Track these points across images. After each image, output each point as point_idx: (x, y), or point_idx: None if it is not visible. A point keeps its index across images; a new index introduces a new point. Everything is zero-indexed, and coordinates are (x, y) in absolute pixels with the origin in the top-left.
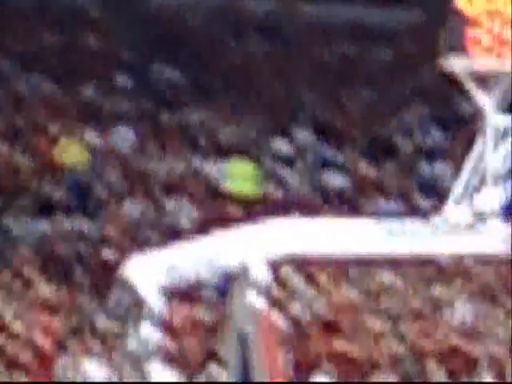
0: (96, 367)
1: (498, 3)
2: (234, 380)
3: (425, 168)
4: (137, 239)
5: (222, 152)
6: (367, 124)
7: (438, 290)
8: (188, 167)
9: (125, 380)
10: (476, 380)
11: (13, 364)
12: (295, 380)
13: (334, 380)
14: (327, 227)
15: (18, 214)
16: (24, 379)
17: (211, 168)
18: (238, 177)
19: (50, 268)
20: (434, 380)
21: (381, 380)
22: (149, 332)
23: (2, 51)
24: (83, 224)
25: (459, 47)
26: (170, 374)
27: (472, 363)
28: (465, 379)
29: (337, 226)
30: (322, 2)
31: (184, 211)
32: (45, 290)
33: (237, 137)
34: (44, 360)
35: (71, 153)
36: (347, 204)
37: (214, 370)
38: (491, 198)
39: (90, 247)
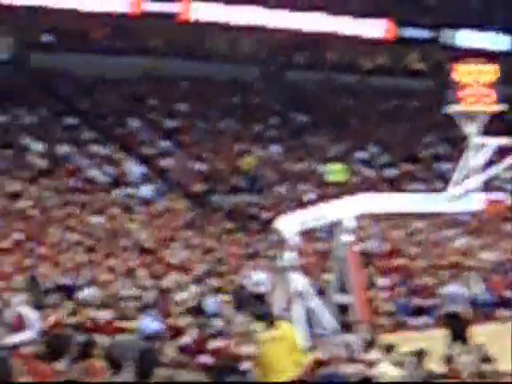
0: (262, 275)
1: (476, 75)
2: (336, 283)
3: (441, 166)
4: (284, 207)
5: (328, 159)
6: (406, 143)
7: (446, 231)
8: (310, 169)
9: (278, 282)
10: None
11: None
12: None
13: (395, 281)
14: (387, 198)
15: (220, 194)
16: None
17: (325, 169)
18: (335, 171)
19: (239, 222)
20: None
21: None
22: (290, 255)
23: (196, 112)
24: (254, 199)
25: (456, 100)
26: (303, 279)
27: (466, 271)
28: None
29: (392, 198)
30: (357, 73)
31: (308, 192)
32: (239, 237)
33: (337, 151)
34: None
35: (248, 162)
36: (396, 187)
37: (326, 277)
38: (472, 182)
39: (257, 211)
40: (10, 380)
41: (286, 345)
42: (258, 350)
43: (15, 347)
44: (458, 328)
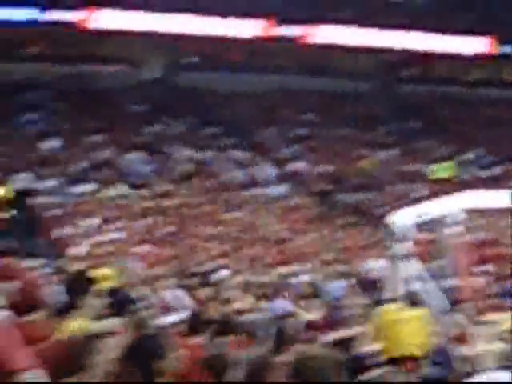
0: (379, 262)
1: None
2: (444, 269)
3: None
4: (398, 203)
5: (436, 160)
6: (504, 145)
7: None
8: (421, 169)
9: (393, 268)
10: None
11: None
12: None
13: (495, 267)
14: (488, 195)
15: (342, 192)
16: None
17: (434, 169)
18: (441, 171)
19: (358, 217)
20: None
21: None
22: (403, 245)
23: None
24: (372, 196)
25: None
26: (415, 265)
27: None
28: None
29: (493, 194)
30: (461, 85)
31: (419, 189)
32: (358, 230)
33: (444, 153)
34: None
35: (367, 164)
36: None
37: (435, 263)
38: None
39: (375, 207)
40: (163, 354)
41: (407, 325)
42: (378, 329)
43: (167, 326)
44: None
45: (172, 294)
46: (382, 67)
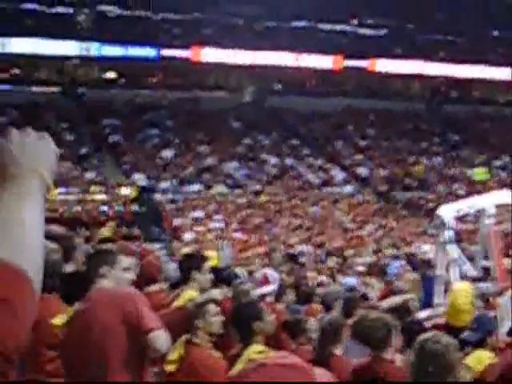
0: (428, 247)
1: None
2: (481, 252)
3: None
4: (443, 200)
5: (474, 166)
6: None
7: None
8: (461, 173)
9: (439, 252)
10: None
11: None
12: None
13: None
14: None
15: (398, 191)
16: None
17: (472, 172)
18: (480, 173)
19: (411, 211)
20: None
21: None
22: (448, 233)
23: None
24: (422, 194)
25: None
26: (457, 250)
27: None
28: None
29: None
30: (495, 105)
31: (460, 189)
32: (411, 221)
33: (481, 160)
34: None
35: (418, 169)
36: None
37: (474, 248)
38: None
39: (425, 203)
40: (260, 318)
41: (469, 297)
42: (454, 299)
43: (260, 296)
44: None
45: (266, 271)
46: (430, 91)
